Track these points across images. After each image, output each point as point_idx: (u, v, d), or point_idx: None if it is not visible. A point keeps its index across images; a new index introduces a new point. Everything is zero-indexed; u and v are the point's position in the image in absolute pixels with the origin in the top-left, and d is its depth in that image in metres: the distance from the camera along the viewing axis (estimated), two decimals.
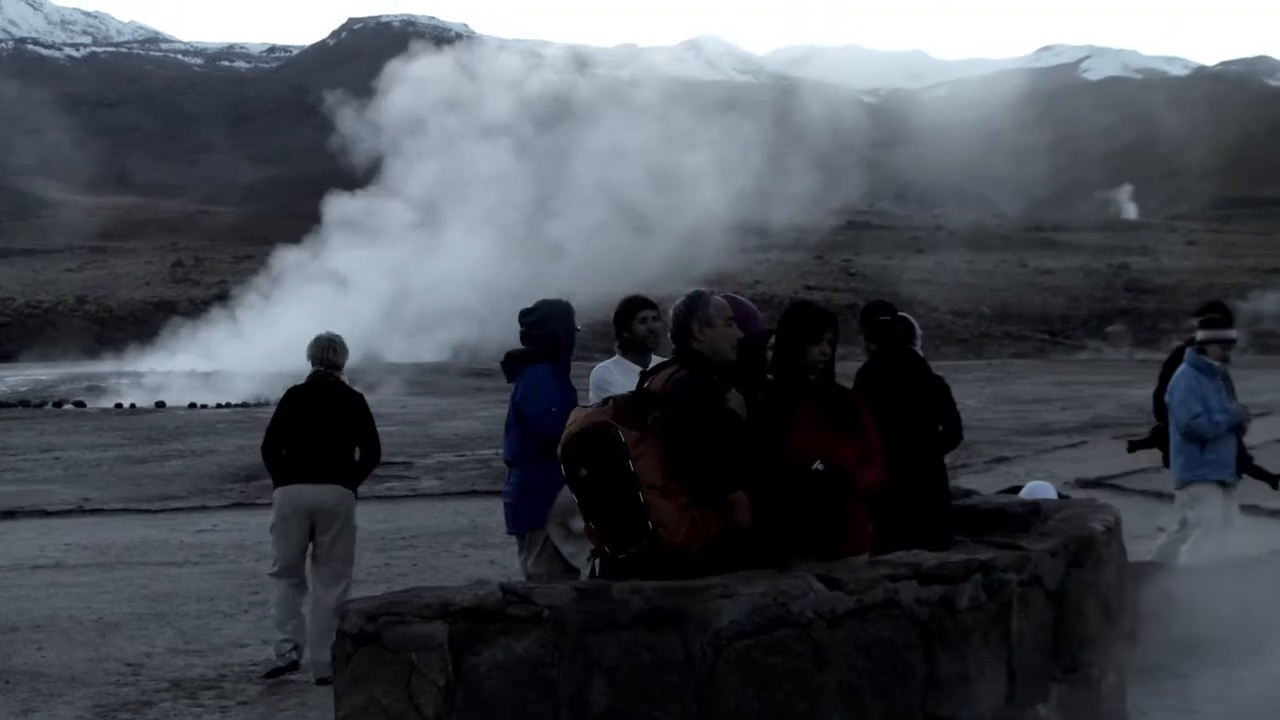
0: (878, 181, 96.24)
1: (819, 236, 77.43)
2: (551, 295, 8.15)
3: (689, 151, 51.23)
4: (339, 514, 9.19)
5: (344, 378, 9.58)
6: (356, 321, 43.73)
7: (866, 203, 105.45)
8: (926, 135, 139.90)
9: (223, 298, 58.17)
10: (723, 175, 49.01)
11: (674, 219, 47.96)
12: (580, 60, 72.84)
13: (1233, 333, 10.36)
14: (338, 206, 51.68)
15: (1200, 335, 10.18)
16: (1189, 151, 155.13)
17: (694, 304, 5.68)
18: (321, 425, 9.18)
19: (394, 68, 53.71)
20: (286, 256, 51.55)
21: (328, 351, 9.41)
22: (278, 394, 10.25)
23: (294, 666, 8.84)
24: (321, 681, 8.52)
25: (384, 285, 47.86)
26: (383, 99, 52.62)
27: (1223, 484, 10.08)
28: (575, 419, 5.51)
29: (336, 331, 9.68)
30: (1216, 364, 10.09)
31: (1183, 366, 10.20)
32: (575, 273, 41.65)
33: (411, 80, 53.02)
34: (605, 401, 5.62)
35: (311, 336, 9.65)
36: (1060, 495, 8.69)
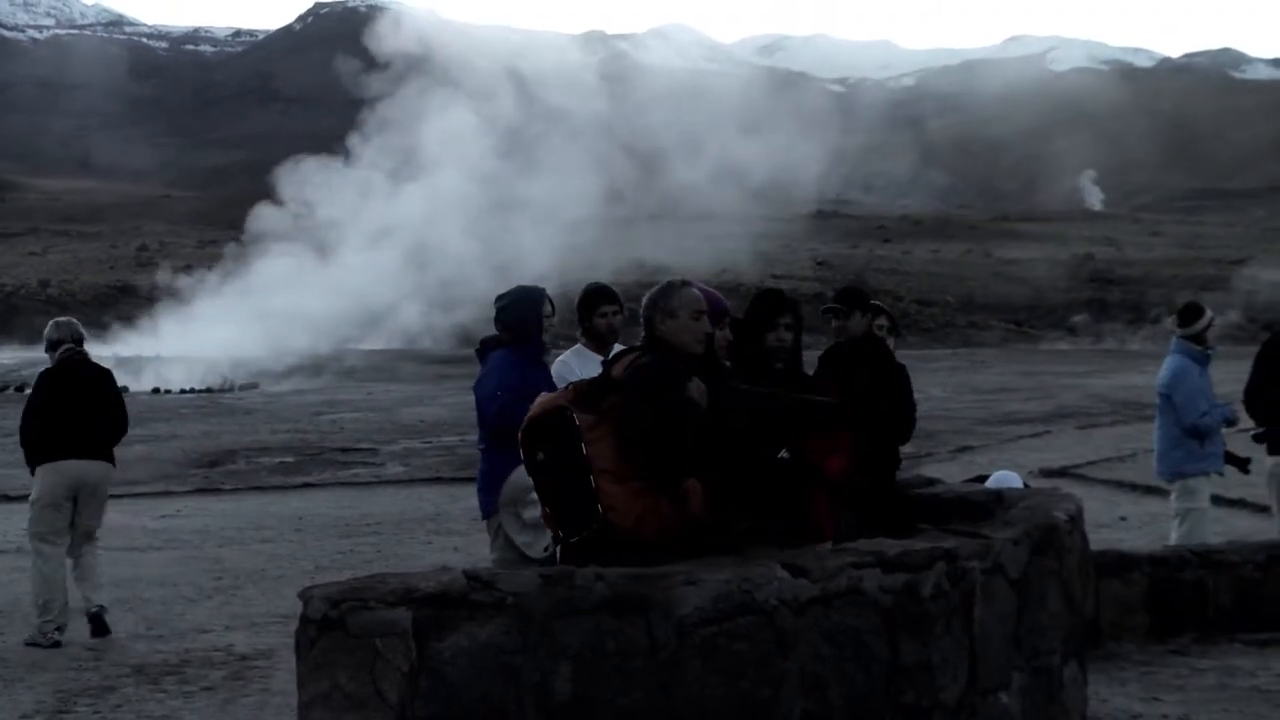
0: (844, 170, 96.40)
1: (785, 225, 77.51)
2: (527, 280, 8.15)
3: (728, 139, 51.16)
4: (101, 487, 9.90)
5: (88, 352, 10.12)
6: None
7: (833, 191, 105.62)
8: (897, 125, 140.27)
9: (152, 287, 57.79)
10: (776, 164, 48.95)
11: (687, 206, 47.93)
12: (550, 47, 72.69)
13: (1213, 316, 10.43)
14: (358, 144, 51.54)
15: (1200, 323, 10.17)
16: (1154, 143, 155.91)
17: (660, 294, 5.57)
18: (81, 403, 9.72)
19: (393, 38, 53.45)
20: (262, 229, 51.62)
21: (75, 330, 9.96)
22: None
23: (56, 645, 9.24)
24: (97, 621, 9.36)
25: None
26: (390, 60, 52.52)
27: (1212, 474, 10.17)
28: (537, 404, 5.47)
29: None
30: (1211, 352, 10.16)
31: (1179, 360, 10.13)
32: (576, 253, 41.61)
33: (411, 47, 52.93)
34: (569, 387, 5.57)
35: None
36: (1025, 485, 8.72)
